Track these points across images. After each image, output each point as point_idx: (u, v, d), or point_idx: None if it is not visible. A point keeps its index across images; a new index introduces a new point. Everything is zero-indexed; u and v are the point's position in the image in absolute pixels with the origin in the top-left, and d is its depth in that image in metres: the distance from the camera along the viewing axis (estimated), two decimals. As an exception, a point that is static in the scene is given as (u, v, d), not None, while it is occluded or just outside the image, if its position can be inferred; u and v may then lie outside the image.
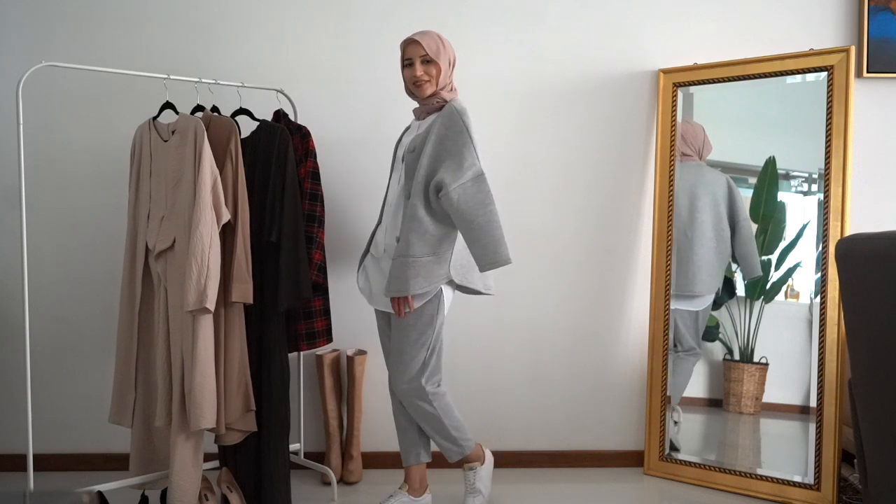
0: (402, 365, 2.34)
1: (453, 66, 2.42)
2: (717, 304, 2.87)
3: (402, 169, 2.39)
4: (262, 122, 2.53)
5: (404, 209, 2.31)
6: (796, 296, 2.74)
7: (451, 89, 2.42)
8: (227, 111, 2.57)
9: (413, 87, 2.39)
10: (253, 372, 2.43)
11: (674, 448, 2.92)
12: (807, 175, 2.73)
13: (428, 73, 2.35)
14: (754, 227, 2.81)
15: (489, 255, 2.19)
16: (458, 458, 2.48)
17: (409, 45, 2.38)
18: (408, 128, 2.51)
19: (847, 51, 2.66)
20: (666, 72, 2.97)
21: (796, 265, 2.74)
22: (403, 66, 2.40)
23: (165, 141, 2.36)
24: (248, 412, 2.38)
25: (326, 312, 2.72)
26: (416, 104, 2.47)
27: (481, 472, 2.55)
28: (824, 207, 2.66)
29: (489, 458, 2.60)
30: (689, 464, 2.87)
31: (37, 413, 2.97)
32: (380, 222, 2.48)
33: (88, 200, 2.95)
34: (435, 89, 2.37)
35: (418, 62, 2.35)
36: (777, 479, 2.70)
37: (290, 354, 2.64)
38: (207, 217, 2.22)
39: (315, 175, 2.67)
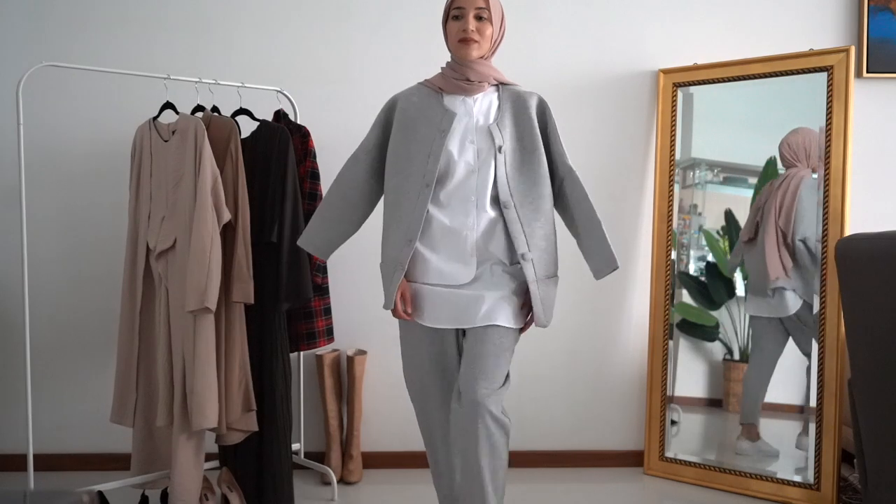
0: (493, 371, 1.90)
1: (501, 38, 2.03)
2: (716, 305, 2.87)
3: (486, 159, 1.93)
4: (263, 123, 2.53)
5: (508, 217, 1.93)
6: (796, 296, 2.74)
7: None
8: (227, 111, 2.57)
9: (456, 45, 1.94)
10: (254, 372, 2.43)
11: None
12: (807, 175, 2.73)
13: (480, 32, 1.92)
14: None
15: (611, 252, 1.96)
16: None
17: None
18: (439, 108, 1.97)
19: (847, 51, 2.66)
20: (666, 72, 2.98)
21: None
22: (450, 18, 1.94)
23: (166, 141, 2.36)
24: (249, 412, 2.38)
25: (327, 312, 2.72)
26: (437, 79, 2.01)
27: None
28: (824, 207, 2.66)
29: None
30: (689, 464, 2.88)
31: (37, 413, 2.97)
32: (406, 234, 1.94)
33: (89, 200, 2.95)
34: (482, 54, 1.95)
35: (471, 15, 1.91)
36: (777, 479, 2.70)
37: (290, 354, 2.64)
38: (208, 217, 2.22)
39: (314, 175, 2.67)
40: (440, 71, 2.01)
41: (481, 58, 1.96)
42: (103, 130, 2.94)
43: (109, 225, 2.93)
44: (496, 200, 1.94)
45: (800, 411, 2.70)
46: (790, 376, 2.72)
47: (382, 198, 2.05)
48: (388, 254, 1.98)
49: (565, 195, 2.02)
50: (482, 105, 1.98)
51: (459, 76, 1.95)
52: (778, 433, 2.74)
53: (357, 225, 2.09)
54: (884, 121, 3.01)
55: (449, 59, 2.01)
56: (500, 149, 1.93)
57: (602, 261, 1.97)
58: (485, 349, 1.91)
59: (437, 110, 1.96)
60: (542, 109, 2.04)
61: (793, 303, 2.72)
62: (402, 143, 1.96)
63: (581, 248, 2.03)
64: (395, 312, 1.95)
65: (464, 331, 1.99)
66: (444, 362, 2.01)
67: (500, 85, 2.01)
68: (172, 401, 2.29)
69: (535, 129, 1.98)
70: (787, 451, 2.71)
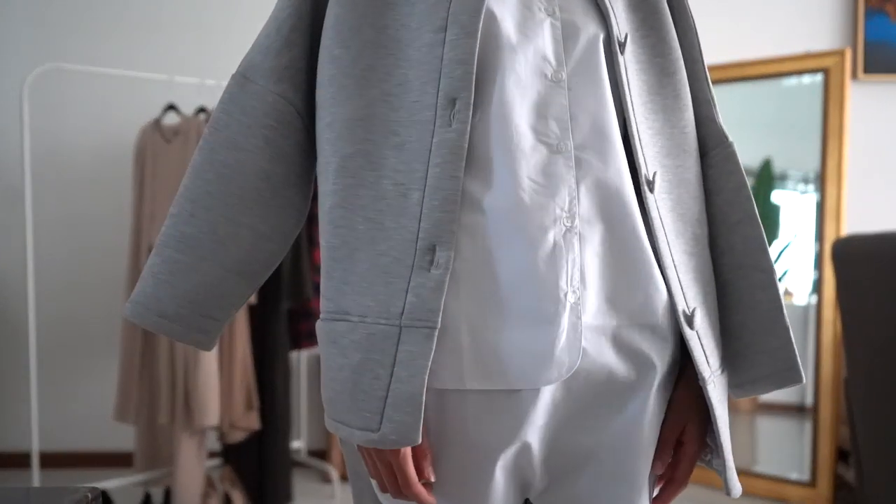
0: None
1: None
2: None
3: (586, 60, 0.78)
4: (265, 124, 2.54)
5: (649, 212, 0.79)
6: (791, 296, 2.76)
7: None
8: (229, 112, 2.58)
9: None
10: (255, 370, 2.45)
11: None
12: (803, 176, 2.75)
13: None
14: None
15: (790, 345, 0.83)
16: None
17: None
18: None
19: (843, 53, 2.68)
20: (664, 73, 2.99)
21: (793, 266, 2.77)
22: None
23: (168, 142, 2.38)
24: (251, 410, 2.40)
25: (328, 312, 2.74)
26: None
27: None
28: (820, 208, 2.68)
29: None
30: (687, 462, 2.90)
31: (42, 411, 2.99)
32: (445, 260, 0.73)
33: (93, 201, 2.97)
34: None
35: None
36: (773, 476, 2.72)
37: (291, 353, 2.66)
38: (211, 217, 2.24)
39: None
40: None
41: None
42: (106, 132, 2.96)
43: (113, 226, 2.95)
44: (619, 165, 0.78)
45: (797, 409, 2.73)
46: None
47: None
48: (346, 305, 0.77)
49: (707, 191, 0.88)
50: None
51: None
52: (775, 431, 2.76)
53: (278, 246, 0.89)
54: (879, 122, 3.03)
55: None
56: (621, 43, 0.81)
57: (776, 361, 0.83)
58: None
59: None
60: None
61: None
62: (362, 12, 0.80)
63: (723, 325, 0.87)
64: (394, 488, 0.76)
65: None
66: None
67: None
68: (174, 399, 2.31)
69: (672, 29, 0.86)
70: (783, 448, 2.74)
